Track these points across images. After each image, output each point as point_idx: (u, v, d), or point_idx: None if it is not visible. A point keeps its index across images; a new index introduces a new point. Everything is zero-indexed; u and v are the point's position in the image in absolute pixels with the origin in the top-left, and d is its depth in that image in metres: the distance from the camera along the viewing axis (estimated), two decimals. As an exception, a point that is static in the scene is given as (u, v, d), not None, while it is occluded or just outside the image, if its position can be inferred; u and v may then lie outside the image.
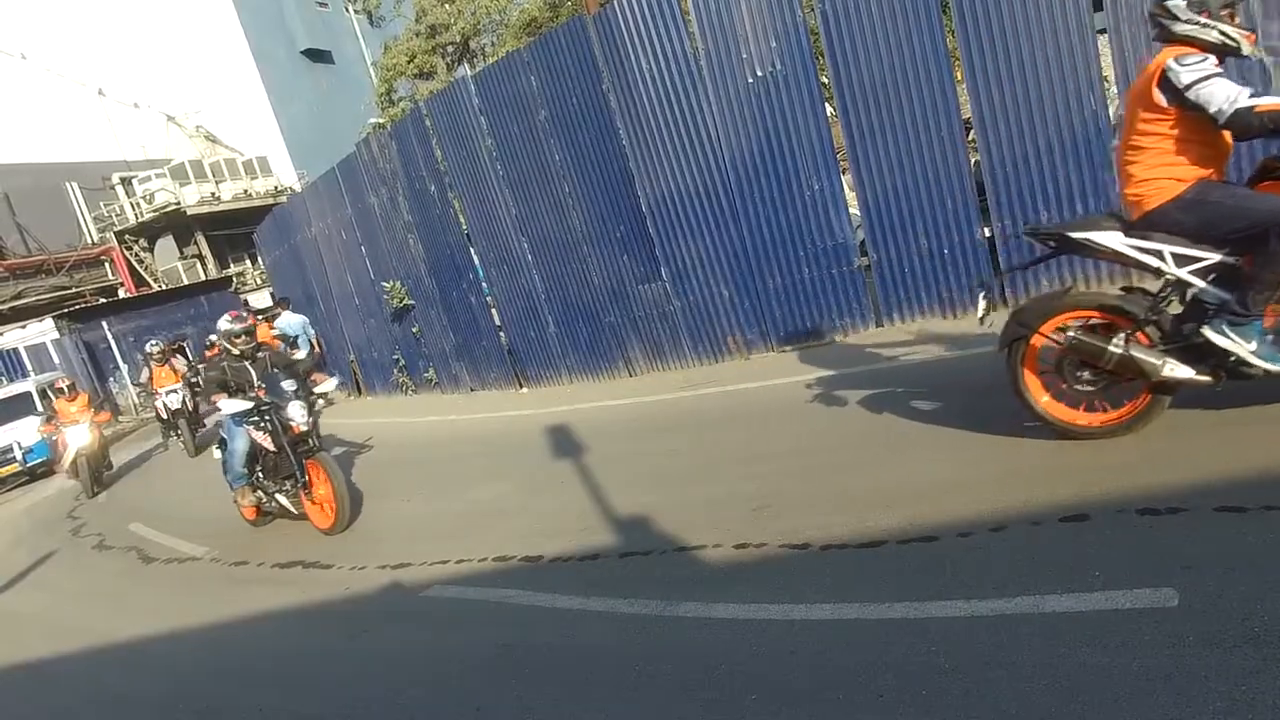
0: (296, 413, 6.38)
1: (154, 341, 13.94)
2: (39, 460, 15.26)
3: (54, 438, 12.69)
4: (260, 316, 28.30)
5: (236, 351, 6.74)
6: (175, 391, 13.20)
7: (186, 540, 7.76)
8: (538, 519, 5.53)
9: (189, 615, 5.73)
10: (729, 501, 4.72)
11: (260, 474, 6.98)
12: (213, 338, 12.10)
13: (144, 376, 14.02)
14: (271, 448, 6.58)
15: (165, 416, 13.27)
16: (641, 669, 3.33)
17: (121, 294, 30.09)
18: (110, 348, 24.30)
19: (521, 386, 10.70)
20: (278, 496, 6.84)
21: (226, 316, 6.84)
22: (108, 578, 7.52)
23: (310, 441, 6.62)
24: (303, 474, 6.48)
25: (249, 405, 6.45)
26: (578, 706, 3.21)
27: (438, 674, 3.89)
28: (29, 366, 22.08)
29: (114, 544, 8.45)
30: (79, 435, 11.55)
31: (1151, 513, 3.29)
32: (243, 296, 31.11)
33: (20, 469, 15.22)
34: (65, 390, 12.46)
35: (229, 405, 6.43)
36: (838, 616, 3.27)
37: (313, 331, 15.41)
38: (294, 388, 6.54)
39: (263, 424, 6.57)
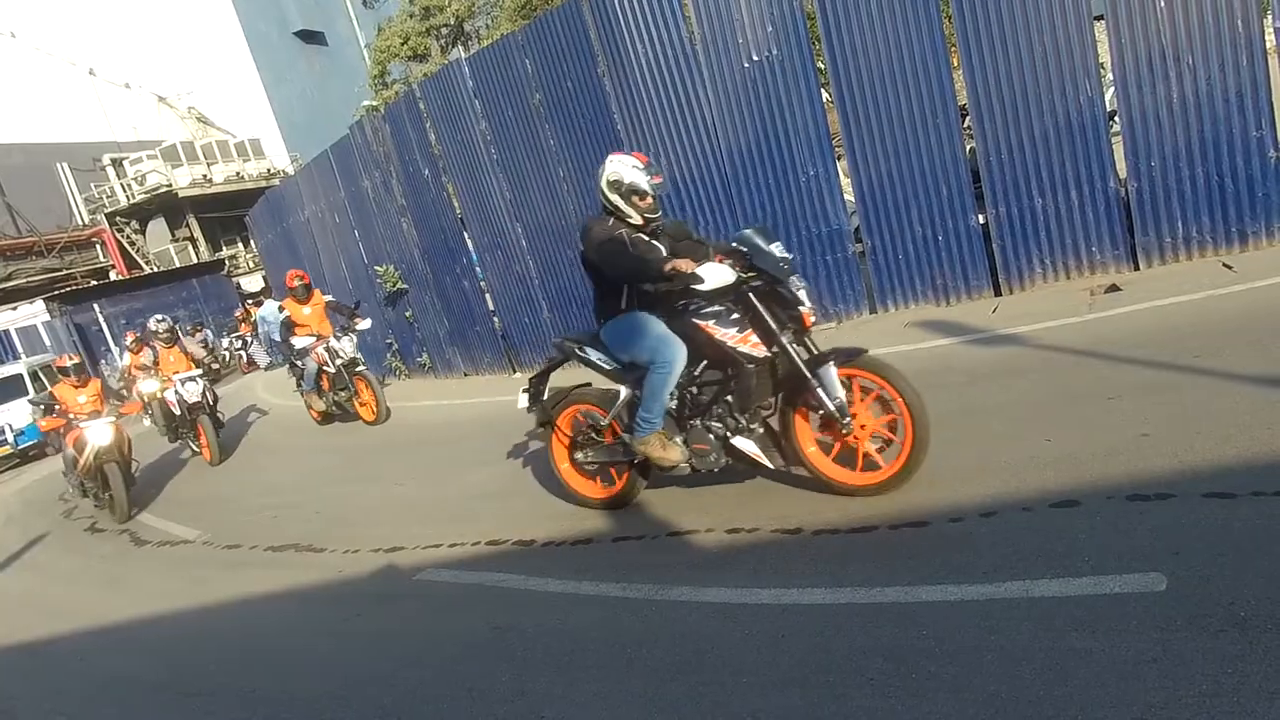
0: (807, 296, 4.06)
1: (160, 317, 11.13)
2: (30, 443, 15.23)
3: (61, 435, 9.40)
4: (250, 301, 28.37)
5: (638, 219, 4.36)
6: (194, 380, 10.20)
7: (179, 523, 7.76)
8: (530, 503, 5.54)
9: (182, 598, 5.74)
10: (720, 486, 4.73)
11: (691, 408, 4.42)
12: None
13: (146, 359, 11.24)
14: (760, 352, 4.10)
15: (180, 412, 10.24)
16: (633, 652, 3.34)
17: (113, 276, 29.96)
18: (102, 330, 24.25)
19: (515, 371, 10.69)
20: (736, 441, 4.29)
21: (631, 160, 4.37)
22: (100, 560, 7.52)
23: (810, 345, 4.15)
24: (831, 392, 3.95)
25: (732, 278, 3.98)
26: (570, 689, 3.23)
27: (431, 657, 3.90)
28: (19, 348, 22.01)
29: (106, 527, 8.44)
30: (100, 434, 8.42)
31: (1140, 499, 3.31)
32: (235, 280, 31.05)
33: (11, 451, 15.19)
34: (70, 372, 9.09)
35: (715, 274, 3.91)
36: (829, 601, 3.29)
37: None
38: (790, 257, 4.13)
39: (732, 314, 4.13)
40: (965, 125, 7.34)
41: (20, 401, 15.44)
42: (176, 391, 10.14)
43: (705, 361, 4.27)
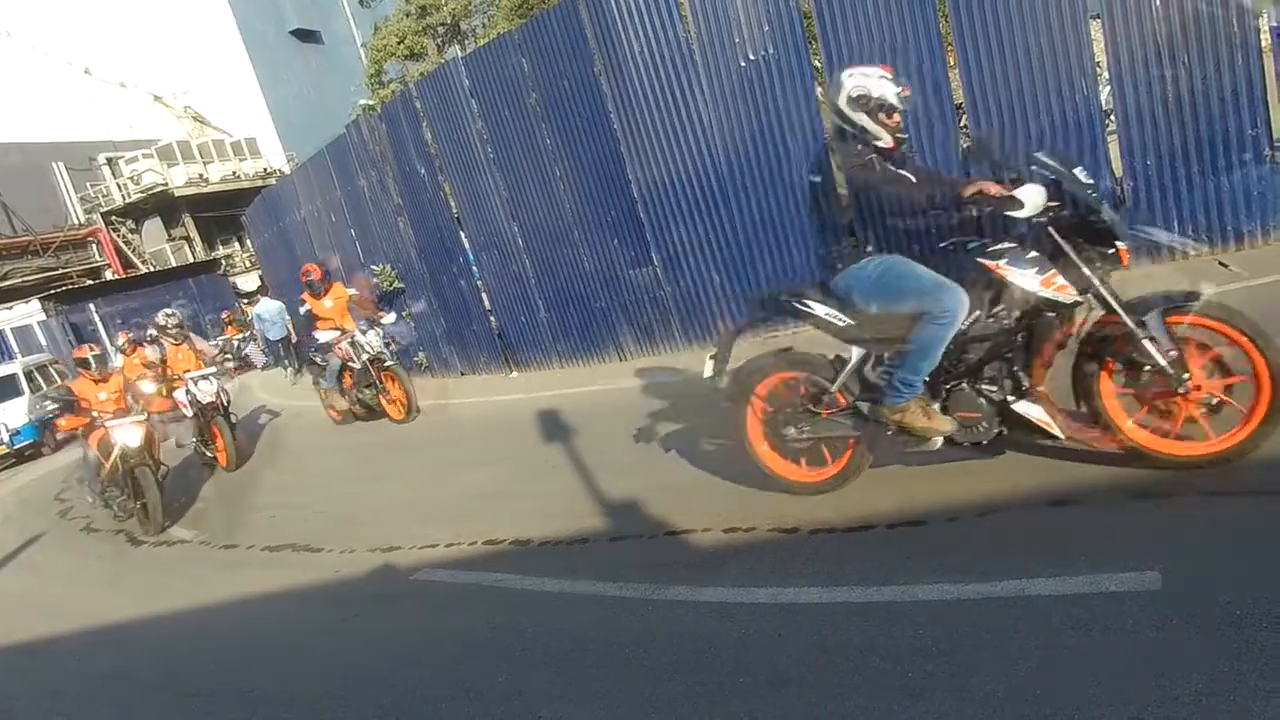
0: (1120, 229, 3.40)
1: (169, 311, 10.30)
2: (27, 442, 15.19)
3: (82, 437, 8.42)
4: (245, 300, 28.29)
5: (887, 140, 3.74)
6: (208, 379, 9.37)
7: (176, 524, 7.75)
8: (528, 503, 5.54)
9: (179, 598, 5.73)
10: (719, 485, 4.74)
11: (951, 368, 3.75)
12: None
13: (152, 356, 9.99)
14: (1067, 298, 3.43)
15: (193, 413, 9.37)
16: (631, 652, 3.35)
17: (108, 275, 29.89)
18: (97, 329, 24.20)
19: (512, 370, 10.68)
20: (1020, 406, 3.64)
21: (877, 70, 3.77)
22: (97, 560, 7.51)
23: (1113, 289, 3.42)
24: (1163, 345, 3.29)
25: (1043, 204, 3.36)
26: (567, 689, 3.23)
27: (428, 656, 3.90)
28: (15, 348, 21.97)
29: (102, 526, 8.42)
30: (129, 434, 7.69)
31: (1137, 497, 3.32)
32: (231, 279, 31.00)
33: (8, 451, 15.14)
34: (90, 364, 8.27)
35: (1034, 196, 3.31)
36: (826, 600, 3.30)
37: (289, 317, 15.48)
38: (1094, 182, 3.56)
39: (1029, 252, 3.49)
40: (961, 124, 7.34)
41: (17, 401, 15.42)
42: (189, 391, 9.22)
43: (978, 312, 3.58)
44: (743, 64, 7.59)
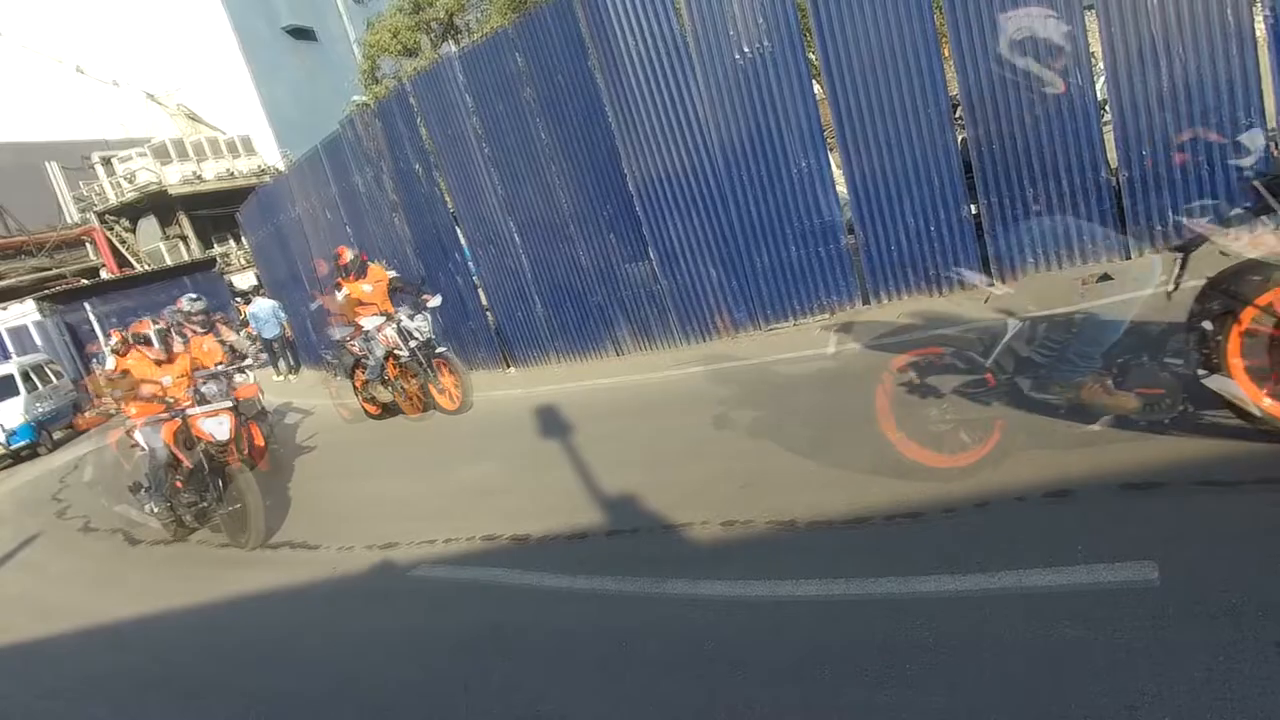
0: None
1: (194, 296, 9.18)
2: (23, 443, 15.16)
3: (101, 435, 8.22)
4: (240, 298, 28.22)
5: (1058, 85, 3.50)
6: (217, 378, 8.01)
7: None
8: (525, 499, 5.54)
9: (176, 596, 5.73)
10: (717, 479, 4.73)
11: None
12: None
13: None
14: (1269, 261, 3.10)
15: (229, 406, 7.76)
16: (629, 647, 3.35)
17: (104, 275, 29.81)
18: (93, 329, 24.12)
19: (509, 367, 10.67)
20: (1212, 382, 3.24)
21: (1038, 10, 3.54)
22: (94, 559, 7.50)
23: None
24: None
25: (1262, 152, 3.21)
26: (565, 685, 3.23)
27: (426, 653, 3.90)
28: (10, 348, 21.92)
29: (100, 526, 8.41)
30: (218, 426, 7.14)
31: (1134, 489, 3.32)
32: (227, 277, 30.94)
33: (4, 451, 15.11)
34: (152, 340, 7.32)
35: (1256, 141, 3.25)
36: (824, 594, 3.30)
37: (283, 315, 15.46)
38: None
39: (1230, 210, 3.28)
40: (956, 115, 7.34)
41: (13, 401, 15.38)
42: (198, 390, 7.82)
43: (1163, 275, 3.29)
44: (738, 59, 7.57)
